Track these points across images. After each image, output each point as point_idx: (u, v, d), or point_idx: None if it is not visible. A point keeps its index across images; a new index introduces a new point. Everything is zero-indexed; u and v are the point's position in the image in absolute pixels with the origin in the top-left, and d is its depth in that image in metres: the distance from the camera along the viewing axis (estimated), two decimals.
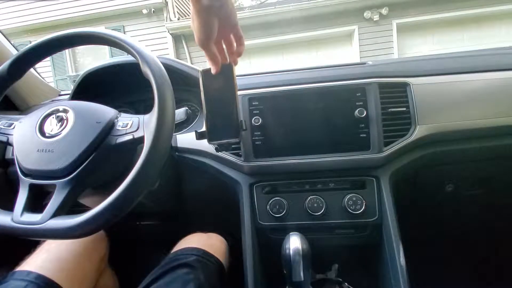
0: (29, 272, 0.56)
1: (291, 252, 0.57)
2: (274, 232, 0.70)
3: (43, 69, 5.79)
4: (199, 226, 0.79)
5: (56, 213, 0.44)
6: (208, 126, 0.57)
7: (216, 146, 0.61)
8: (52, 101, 0.97)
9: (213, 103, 0.57)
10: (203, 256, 0.65)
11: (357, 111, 0.66)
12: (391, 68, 0.74)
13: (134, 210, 0.44)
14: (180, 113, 0.57)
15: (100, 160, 0.48)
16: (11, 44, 0.92)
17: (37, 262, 0.59)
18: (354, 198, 0.66)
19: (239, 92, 0.71)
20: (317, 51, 5.68)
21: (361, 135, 0.67)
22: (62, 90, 1.07)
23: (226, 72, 0.55)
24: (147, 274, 0.62)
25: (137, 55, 0.48)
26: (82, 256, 0.65)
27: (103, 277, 0.72)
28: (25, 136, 0.50)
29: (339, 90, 0.69)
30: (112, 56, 4.64)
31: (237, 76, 0.81)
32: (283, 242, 0.60)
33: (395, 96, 0.69)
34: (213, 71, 0.54)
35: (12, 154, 0.52)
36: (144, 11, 5.64)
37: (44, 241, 0.65)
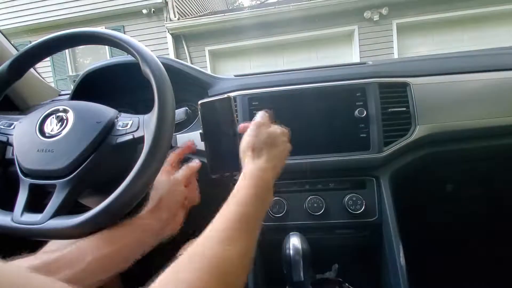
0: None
1: (291, 252, 0.57)
2: (274, 232, 0.69)
3: (43, 69, 5.78)
4: (199, 226, 0.79)
5: (56, 213, 0.44)
6: (208, 158, 0.57)
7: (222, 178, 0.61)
8: (52, 101, 0.97)
9: (213, 136, 0.57)
10: None
11: (357, 111, 0.66)
12: (391, 68, 0.74)
13: (134, 210, 0.44)
14: (180, 113, 0.57)
15: (100, 160, 0.48)
16: (11, 44, 0.92)
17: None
18: (354, 198, 0.66)
19: (239, 93, 0.71)
20: (317, 51, 5.67)
21: (361, 135, 0.67)
22: (62, 90, 1.07)
23: (225, 105, 0.55)
24: (147, 274, 0.61)
25: (137, 55, 0.48)
26: None
27: None
28: (25, 136, 0.50)
29: (339, 90, 0.69)
30: (112, 56, 4.64)
31: (237, 76, 0.81)
32: (283, 242, 0.60)
33: (395, 96, 0.69)
34: None
35: (12, 154, 0.52)
36: (144, 11, 5.63)
37: (45, 242, 0.65)
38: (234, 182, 0.45)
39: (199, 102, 0.57)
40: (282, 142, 0.48)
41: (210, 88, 0.77)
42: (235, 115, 0.57)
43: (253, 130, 0.48)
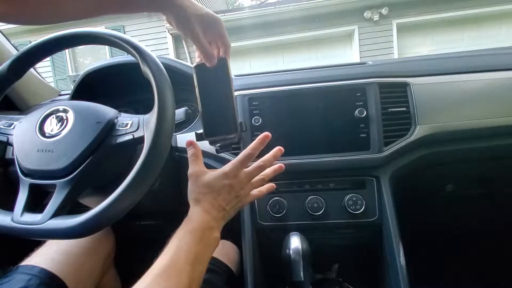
0: (33, 266, 0.56)
1: (291, 252, 0.57)
2: (274, 232, 0.69)
3: (43, 69, 5.78)
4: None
5: (56, 213, 0.44)
6: (204, 122, 0.56)
7: (217, 147, 0.60)
8: (52, 101, 0.97)
9: (209, 98, 0.56)
10: (217, 265, 0.65)
11: (357, 111, 0.66)
12: (391, 68, 0.74)
13: (134, 210, 0.44)
14: (180, 113, 0.57)
15: (100, 160, 0.48)
16: (11, 44, 0.92)
17: (43, 256, 0.59)
18: (354, 198, 0.66)
19: (239, 93, 0.71)
20: (317, 51, 5.67)
21: (361, 135, 0.67)
22: (62, 90, 1.07)
23: (220, 66, 0.54)
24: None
25: (137, 55, 0.48)
26: (90, 251, 0.65)
27: (108, 275, 0.72)
28: (25, 136, 0.50)
29: (339, 90, 0.69)
30: (112, 56, 4.64)
31: (237, 76, 0.81)
32: (283, 242, 0.60)
33: (395, 96, 0.69)
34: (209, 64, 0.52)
35: (12, 154, 0.52)
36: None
37: (45, 241, 0.65)
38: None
39: (194, 65, 0.56)
40: (222, 186, 0.49)
41: None
42: (231, 76, 0.55)
43: (190, 181, 0.51)
